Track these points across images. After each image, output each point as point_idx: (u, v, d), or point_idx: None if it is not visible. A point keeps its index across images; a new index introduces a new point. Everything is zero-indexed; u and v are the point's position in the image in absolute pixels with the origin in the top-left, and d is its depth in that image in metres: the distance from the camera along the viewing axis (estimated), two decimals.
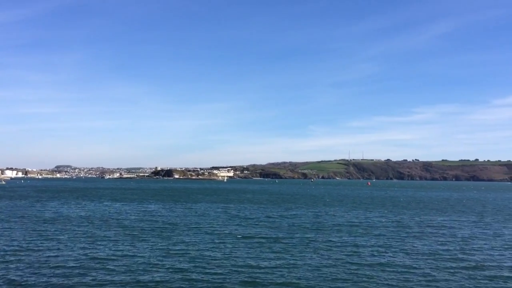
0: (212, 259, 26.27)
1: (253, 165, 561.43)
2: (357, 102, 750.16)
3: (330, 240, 33.79)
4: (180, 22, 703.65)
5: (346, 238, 34.92)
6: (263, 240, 33.35)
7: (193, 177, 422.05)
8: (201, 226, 41.90)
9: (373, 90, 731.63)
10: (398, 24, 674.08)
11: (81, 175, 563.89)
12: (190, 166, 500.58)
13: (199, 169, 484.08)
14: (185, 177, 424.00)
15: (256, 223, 45.06)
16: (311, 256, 27.64)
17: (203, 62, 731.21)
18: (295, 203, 78.90)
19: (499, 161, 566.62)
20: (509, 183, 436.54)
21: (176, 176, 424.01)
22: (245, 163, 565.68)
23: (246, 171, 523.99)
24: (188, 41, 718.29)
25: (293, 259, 26.46)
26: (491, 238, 36.08)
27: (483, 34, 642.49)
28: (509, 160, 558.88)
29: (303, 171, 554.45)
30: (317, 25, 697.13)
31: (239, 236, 35.21)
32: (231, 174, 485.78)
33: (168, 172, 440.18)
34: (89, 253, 27.71)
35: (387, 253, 28.91)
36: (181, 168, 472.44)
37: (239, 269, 23.84)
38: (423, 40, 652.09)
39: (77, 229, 38.70)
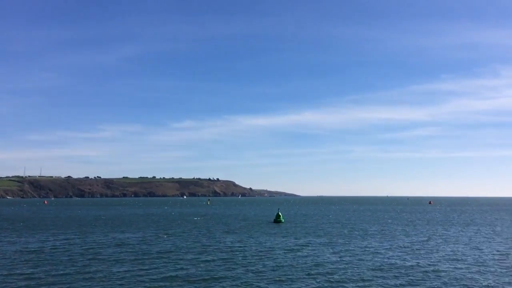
0: None
1: None
2: (37, 114, 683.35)
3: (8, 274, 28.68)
4: None
5: (27, 270, 30.40)
6: None
7: None
8: None
9: (56, 102, 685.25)
10: (88, 38, 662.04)
11: None
12: None
13: None
14: None
15: None
16: None
17: None
18: None
19: (173, 178, 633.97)
20: (181, 197, 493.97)
21: None
22: None
23: None
24: None
25: None
26: (176, 250, 39.07)
27: (166, 63, 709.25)
28: (181, 178, 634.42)
29: None
30: None
31: None
32: None
33: None
34: None
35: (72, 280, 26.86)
36: None
37: None
38: (112, 59, 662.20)
39: None
